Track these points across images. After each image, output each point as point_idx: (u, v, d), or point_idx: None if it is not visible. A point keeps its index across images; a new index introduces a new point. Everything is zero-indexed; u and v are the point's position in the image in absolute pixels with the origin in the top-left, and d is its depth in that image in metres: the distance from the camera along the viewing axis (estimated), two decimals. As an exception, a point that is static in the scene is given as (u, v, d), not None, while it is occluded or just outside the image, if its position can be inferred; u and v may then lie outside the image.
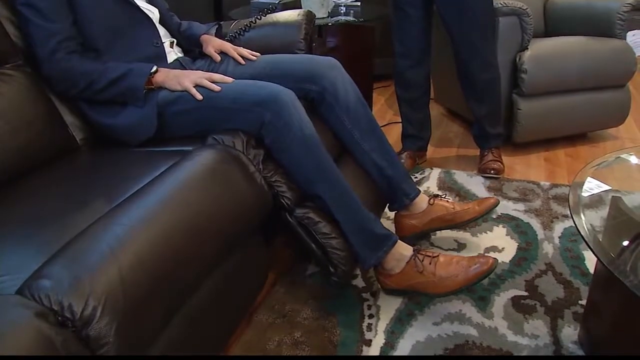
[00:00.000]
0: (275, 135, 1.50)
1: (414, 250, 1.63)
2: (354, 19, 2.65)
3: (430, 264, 1.59)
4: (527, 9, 2.53)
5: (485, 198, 1.90)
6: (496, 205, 1.87)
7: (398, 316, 1.62)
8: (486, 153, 2.52)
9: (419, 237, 1.93)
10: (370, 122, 1.75)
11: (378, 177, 1.77)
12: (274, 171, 1.52)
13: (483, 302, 1.67)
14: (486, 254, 1.67)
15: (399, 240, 1.63)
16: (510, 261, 1.85)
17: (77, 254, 1.01)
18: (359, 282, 1.78)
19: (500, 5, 2.48)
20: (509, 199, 2.27)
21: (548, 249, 1.92)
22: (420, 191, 1.84)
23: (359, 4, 2.85)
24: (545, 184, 2.39)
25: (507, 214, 2.15)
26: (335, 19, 2.62)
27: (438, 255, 1.61)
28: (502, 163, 2.48)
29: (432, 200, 1.85)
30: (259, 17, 1.97)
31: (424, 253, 1.62)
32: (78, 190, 1.36)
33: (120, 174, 1.41)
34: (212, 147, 1.42)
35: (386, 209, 1.92)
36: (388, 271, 1.64)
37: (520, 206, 2.21)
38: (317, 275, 1.82)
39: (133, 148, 1.58)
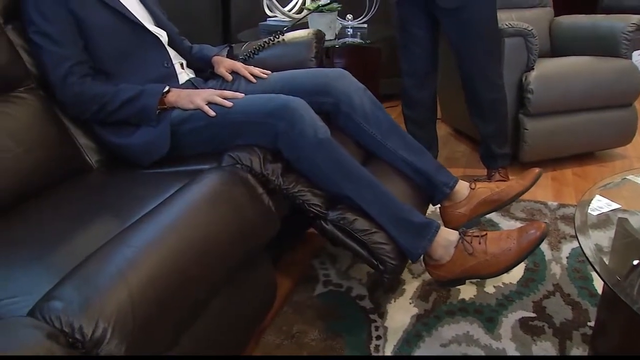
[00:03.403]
0: (291, 144, 1.51)
1: (460, 234, 1.59)
2: (360, 40, 2.68)
3: (479, 243, 1.55)
4: (532, 29, 2.55)
5: (529, 169, 1.82)
6: (540, 175, 1.80)
7: (405, 337, 1.62)
8: (493, 173, 2.53)
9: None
10: (390, 122, 1.75)
11: (411, 173, 1.75)
12: (296, 182, 1.53)
13: (491, 324, 1.66)
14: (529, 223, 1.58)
15: (442, 226, 1.60)
16: (517, 282, 1.85)
17: (87, 275, 1.03)
18: (367, 303, 1.78)
19: (505, 26, 2.50)
20: (517, 219, 2.27)
21: (556, 269, 1.91)
22: (458, 179, 1.80)
23: (365, 25, 2.88)
24: (553, 203, 2.39)
25: (514, 234, 2.15)
26: (342, 40, 2.65)
27: (486, 234, 1.57)
28: (509, 183, 2.48)
29: (473, 185, 1.80)
30: (271, 39, 1.99)
31: (470, 234, 1.58)
32: (88, 212, 1.38)
33: (130, 196, 1.42)
34: (220, 169, 1.44)
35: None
36: (438, 261, 1.60)
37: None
38: (325, 296, 1.82)
39: (146, 168, 1.60)
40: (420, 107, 2.47)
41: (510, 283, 1.84)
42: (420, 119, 2.50)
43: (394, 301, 1.78)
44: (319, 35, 2.04)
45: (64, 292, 0.99)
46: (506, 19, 2.69)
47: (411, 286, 1.84)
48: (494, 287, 1.82)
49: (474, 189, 1.79)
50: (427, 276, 1.87)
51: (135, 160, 1.62)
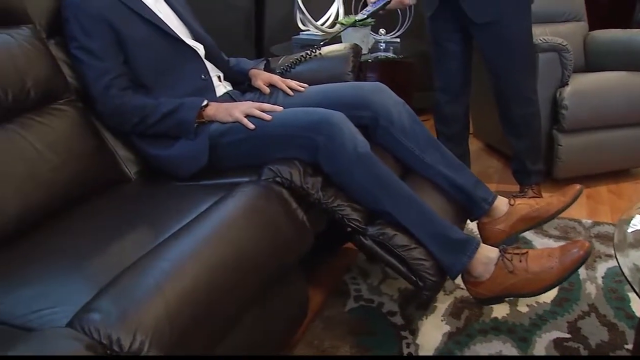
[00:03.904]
0: (330, 158, 1.51)
1: (500, 251, 1.57)
2: (393, 55, 2.68)
3: (520, 261, 1.53)
4: (567, 44, 2.52)
5: (569, 185, 1.79)
6: (581, 192, 1.76)
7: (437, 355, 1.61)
8: (526, 190, 2.49)
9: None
10: (428, 137, 1.74)
11: (450, 188, 1.73)
12: (335, 196, 1.53)
13: (524, 344, 1.64)
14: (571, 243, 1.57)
15: (482, 243, 1.58)
16: (551, 301, 1.81)
17: (125, 288, 1.04)
18: (398, 319, 1.77)
19: (540, 42, 2.48)
20: (550, 236, 2.24)
21: (591, 289, 1.88)
22: (497, 195, 1.79)
23: (398, 40, 2.88)
24: (587, 221, 2.35)
25: (548, 252, 2.12)
26: (374, 54, 2.66)
27: (527, 251, 1.55)
28: (542, 200, 2.45)
29: (512, 201, 1.78)
30: (308, 53, 2.00)
31: (511, 251, 1.56)
32: (125, 223, 1.40)
33: (167, 208, 1.45)
34: (255, 183, 1.45)
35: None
36: (477, 278, 1.58)
37: (562, 244, 2.17)
38: (357, 311, 1.82)
39: (183, 180, 1.62)
40: (453, 122, 2.46)
41: (544, 302, 1.81)
42: (453, 134, 2.48)
43: (426, 318, 1.76)
44: (356, 50, 2.04)
45: (102, 304, 1.00)
46: (540, 33, 2.67)
47: (443, 303, 1.82)
48: (527, 306, 1.79)
49: (513, 205, 1.77)
50: (459, 293, 1.85)
51: (173, 172, 1.64)
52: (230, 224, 1.27)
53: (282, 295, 1.46)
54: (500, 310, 1.77)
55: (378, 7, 2.04)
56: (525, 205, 1.77)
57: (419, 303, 1.82)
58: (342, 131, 1.51)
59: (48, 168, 1.48)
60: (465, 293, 1.79)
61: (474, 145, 3.22)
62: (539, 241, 2.19)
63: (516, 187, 2.59)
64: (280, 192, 1.44)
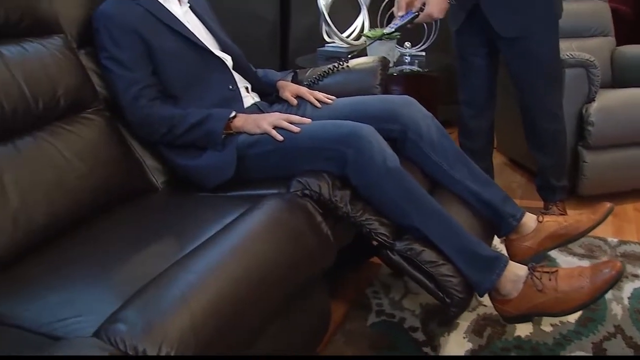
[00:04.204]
0: (359, 171, 1.51)
1: (529, 269, 1.56)
2: (418, 68, 2.68)
3: (550, 280, 1.52)
4: (594, 60, 2.50)
5: (599, 204, 1.76)
6: (611, 211, 1.73)
7: (459, 373, 1.59)
8: (551, 206, 2.46)
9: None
10: (456, 152, 1.73)
11: (477, 203, 1.72)
12: (363, 210, 1.53)
13: (548, 363, 1.62)
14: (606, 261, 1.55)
15: (510, 261, 1.57)
16: (576, 321, 1.79)
17: (151, 299, 1.05)
18: (420, 335, 1.75)
19: (567, 57, 2.46)
20: (575, 254, 2.21)
21: (617, 310, 1.85)
22: (525, 211, 1.77)
23: (423, 53, 2.88)
24: (613, 240, 2.32)
25: (572, 270, 2.09)
26: (400, 68, 2.66)
27: (557, 270, 1.54)
28: (567, 217, 2.42)
29: (540, 218, 1.76)
30: (336, 65, 2.01)
31: (540, 270, 1.55)
32: (150, 232, 1.41)
33: (193, 218, 1.45)
34: (280, 196, 1.45)
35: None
36: (505, 296, 1.56)
37: (586, 263, 2.14)
38: (378, 326, 1.80)
39: (210, 191, 1.63)
40: (477, 137, 2.44)
41: (568, 322, 1.78)
42: (477, 148, 2.46)
43: (448, 335, 1.75)
44: (384, 63, 2.04)
45: (128, 314, 1.01)
46: (566, 48, 2.65)
47: (465, 320, 1.80)
48: (551, 325, 1.77)
49: (541, 222, 1.75)
50: (482, 310, 1.84)
51: (200, 183, 1.65)
52: (254, 237, 1.27)
53: (305, 308, 1.46)
54: (523, 329, 1.75)
55: (406, 20, 2.03)
56: (554, 222, 1.74)
57: (441, 319, 1.81)
58: (371, 144, 1.50)
59: (75, 176, 1.50)
60: (488, 310, 1.78)
61: (498, 159, 3.19)
62: (563, 259, 2.17)
63: (540, 203, 2.56)
64: (304, 205, 1.44)
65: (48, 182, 1.44)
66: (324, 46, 2.85)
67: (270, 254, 1.26)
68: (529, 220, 1.75)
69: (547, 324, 1.77)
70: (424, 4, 2.01)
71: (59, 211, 1.43)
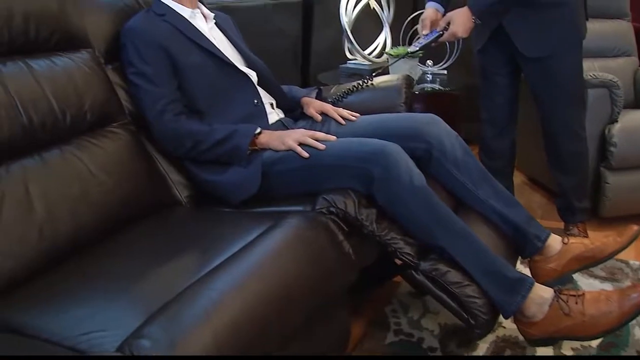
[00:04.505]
0: (385, 190, 1.51)
1: (555, 292, 1.54)
2: (440, 87, 2.68)
3: (576, 303, 1.50)
4: (617, 81, 2.49)
5: (626, 226, 1.74)
6: (639, 234, 1.71)
7: (478, 395, 1.58)
8: (571, 227, 2.44)
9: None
10: (481, 171, 1.73)
11: (502, 224, 1.71)
12: (389, 229, 1.53)
13: (569, 388, 1.60)
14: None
15: (536, 283, 1.56)
16: (597, 346, 1.76)
17: (174, 315, 1.06)
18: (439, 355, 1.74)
19: (589, 77, 2.45)
20: (596, 277, 2.18)
21: None
22: (550, 232, 1.75)
23: (445, 72, 2.88)
24: (635, 263, 2.29)
25: (593, 293, 2.06)
26: (421, 86, 2.66)
27: (583, 293, 1.53)
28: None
29: (565, 239, 1.74)
30: (360, 83, 2.01)
31: (567, 293, 1.54)
32: (173, 248, 1.42)
33: (216, 234, 1.46)
34: (302, 214, 1.46)
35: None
36: (530, 319, 1.55)
37: (608, 286, 2.12)
38: (396, 345, 1.79)
39: (234, 207, 1.64)
40: (499, 156, 2.44)
41: (589, 346, 1.76)
42: (498, 167, 2.45)
43: (467, 356, 1.73)
44: (409, 81, 2.05)
45: (152, 331, 1.02)
46: (589, 68, 2.63)
47: (485, 342, 1.78)
48: (572, 349, 1.75)
49: (566, 243, 1.73)
50: (501, 332, 1.82)
51: (225, 198, 1.66)
52: (276, 256, 1.28)
53: (325, 326, 1.46)
54: (543, 352, 1.73)
55: (430, 39, 2.04)
56: (580, 244, 1.73)
57: (460, 340, 1.79)
58: (397, 163, 1.50)
59: (100, 190, 1.51)
60: (508, 332, 1.76)
61: (517, 178, 3.17)
62: (584, 282, 2.14)
63: (560, 224, 2.54)
64: (326, 223, 1.44)
65: (73, 194, 1.45)
66: (346, 63, 2.86)
67: (293, 273, 1.27)
68: (554, 241, 1.74)
69: (567, 348, 1.75)
70: (448, 23, 2.03)
71: (84, 223, 1.45)
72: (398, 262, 1.53)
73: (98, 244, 1.45)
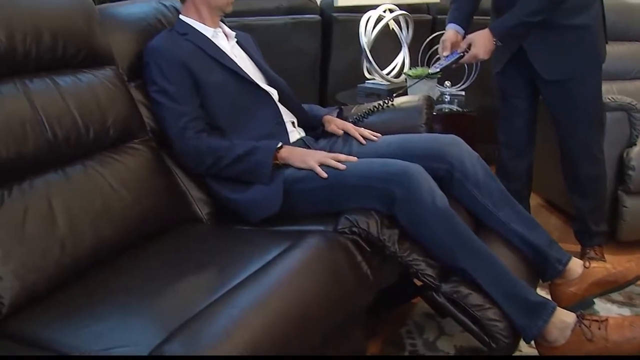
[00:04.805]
0: (408, 211, 1.51)
1: (577, 317, 1.53)
2: (458, 108, 2.69)
3: (599, 329, 1.49)
4: (636, 104, 2.48)
5: None
6: None
7: (494, 420, 1.56)
8: (588, 251, 2.43)
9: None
10: (502, 193, 1.73)
11: (523, 246, 1.70)
12: (411, 250, 1.52)
13: (587, 415, 1.58)
14: None
15: (558, 307, 1.55)
16: (617, 372, 1.75)
17: (195, 333, 1.06)
18: (454, 378, 1.73)
19: (608, 100, 2.44)
20: (613, 302, 2.16)
21: (659, 361, 1.80)
22: (571, 256, 1.74)
23: (463, 93, 2.89)
24: (654, 288, 2.27)
25: (611, 319, 2.04)
26: (439, 107, 2.67)
27: (607, 319, 1.52)
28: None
29: (587, 263, 1.73)
30: (381, 104, 2.02)
31: (589, 318, 1.52)
32: (193, 265, 1.43)
33: (236, 253, 1.47)
34: (322, 234, 1.46)
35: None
36: (552, 343, 1.54)
37: (626, 311, 2.10)
38: (410, 366, 1.79)
39: (255, 225, 1.64)
40: (516, 179, 2.43)
41: (609, 372, 1.74)
42: (515, 189, 2.42)
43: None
44: (429, 102, 2.05)
45: (173, 348, 1.02)
46: (608, 91, 2.62)
47: (501, 365, 1.78)
48: (592, 374, 1.73)
49: (588, 267, 1.72)
50: (516, 354, 1.80)
51: (245, 216, 1.66)
52: (295, 275, 1.29)
53: (341, 345, 1.46)
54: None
55: (451, 61, 2.06)
56: (602, 269, 1.72)
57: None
58: (420, 184, 1.51)
59: (122, 205, 1.53)
60: (524, 355, 1.74)
61: (533, 200, 3.14)
62: (601, 306, 2.12)
63: (577, 247, 2.52)
64: (345, 244, 1.45)
65: (95, 209, 1.47)
66: (364, 82, 2.87)
67: (312, 292, 1.28)
68: (575, 265, 1.73)
69: (587, 373, 1.73)
70: (469, 45, 2.04)
71: (105, 238, 1.47)
72: (418, 283, 1.52)
73: (118, 259, 1.46)
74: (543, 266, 1.73)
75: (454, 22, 2.19)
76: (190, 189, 1.75)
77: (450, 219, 1.51)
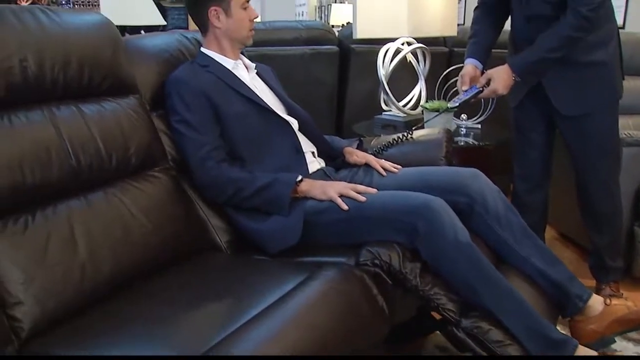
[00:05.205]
0: (430, 244, 1.51)
1: (598, 354, 1.52)
2: (474, 141, 2.70)
3: None
4: (652, 140, 2.48)
5: None
6: None
7: None
8: (604, 287, 2.40)
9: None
10: (522, 228, 1.72)
11: (543, 282, 1.69)
12: (432, 284, 1.52)
13: None
14: None
15: (579, 345, 1.54)
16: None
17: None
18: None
19: (624, 136, 2.45)
20: (629, 340, 2.13)
21: (676, 402, 1.78)
22: (592, 292, 1.73)
23: (479, 126, 2.90)
24: (671, 327, 2.24)
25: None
26: (455, 139, 2.67)
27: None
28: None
29: (607, 301, 1.72)
30: (400, 137, 2.04)
31: (610, 355, 1.52)
32: (210, 295, 1.43)
33: (253, 284, 1.47)
34: (338, 266, 1.47)
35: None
36: None
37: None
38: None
39: (274, 255, 1.64)
40: (531, 212, 2.41)
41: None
42: (530, 223, 2.40)
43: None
44: (449, 135, 2.07)
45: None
46: (623, 126, 2.62)
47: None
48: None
49: (608, 305, 1.71)
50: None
51: (264, 247, 1.66)
52: (311, 307, 1.30)
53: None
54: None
55: (470, 95, 2.07)
56: (623, 306, 1.71)
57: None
58: (442, 218, 1.51)
59: (141, 232, 1.55)
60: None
61: (548, 233, 3.12)
62: (618, 344, 2.08)
63: (592, 282, 2.50)
64: (361, 277, 1.45)
65: (115, 236, 1.49)
66: (380, 114, 2.89)
67: (328, 324, 1.28)
68: (596, 302, 1.72)
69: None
70: (488, 81, 2.05)
71: (124, 265, 1.48)
72: (438, 317, 1.51)
73: (136, 286, 1.47)
74: (564, 302, 1.71)
75: (472, 57, 2.21)
76: (210, 217, 1.76)
77: (473, 254, 1.51)
